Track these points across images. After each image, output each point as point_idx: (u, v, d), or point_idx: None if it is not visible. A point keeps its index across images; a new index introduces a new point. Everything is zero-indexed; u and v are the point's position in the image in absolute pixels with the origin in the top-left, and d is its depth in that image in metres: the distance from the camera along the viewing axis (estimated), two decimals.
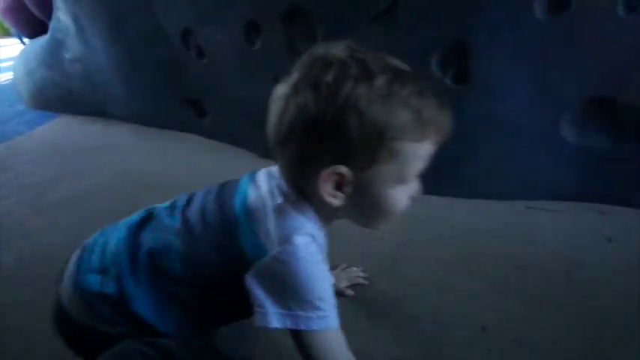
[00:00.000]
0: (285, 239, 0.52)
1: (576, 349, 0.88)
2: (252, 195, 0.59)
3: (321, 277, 0.53)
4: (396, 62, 0.52)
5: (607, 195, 1.40)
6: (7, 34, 8.63)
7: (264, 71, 1.85)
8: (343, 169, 0.50)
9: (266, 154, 2.14)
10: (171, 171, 2.05)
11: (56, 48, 2.84)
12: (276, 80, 1.93)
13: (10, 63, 4.93)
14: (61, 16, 2.72)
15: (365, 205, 0.54)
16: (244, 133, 2.20)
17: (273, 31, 1.73)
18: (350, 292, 1.06)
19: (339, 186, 0.52)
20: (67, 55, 2.81)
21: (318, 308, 0.52)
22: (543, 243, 1.24)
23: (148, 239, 0.63)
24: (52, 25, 2.89)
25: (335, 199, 0.53)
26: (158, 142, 2.46)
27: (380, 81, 0.47)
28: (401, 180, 0.53)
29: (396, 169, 0.51)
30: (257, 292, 0.52)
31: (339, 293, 1.03)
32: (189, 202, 0.67)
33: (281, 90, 0.55)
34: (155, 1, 2.06)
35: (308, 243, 0.53)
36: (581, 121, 1.36)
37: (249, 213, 0.57)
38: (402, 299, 1.06)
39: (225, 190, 0.65)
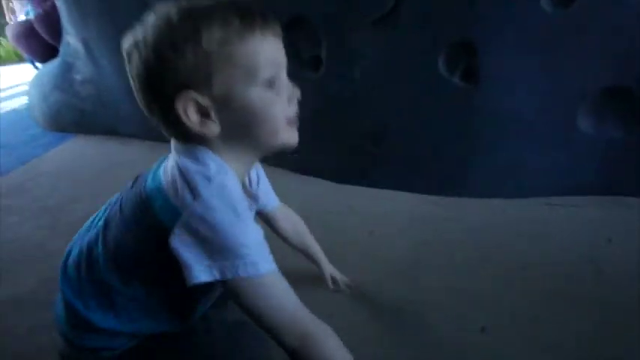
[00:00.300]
0: (194, 193, 0.52)
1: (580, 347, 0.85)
2: (161, 171, 0.60)
3: (239, 223, 0.51)
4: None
5: (628, 187, 1.36)
6: (20, 59, 8.87)
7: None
8: (193, 94, 0.52)
9: (279, 162, 2.15)
10: None
11: (67, 71, 2.91)
12: None
13: (24, 88, 5.08)
14: (70, 40, 2.79)
15: (243, 122, 0.55)
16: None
17: (336, 66, 1.71)
18: (345, 287, 1.07)
19: (205, 115, 0.54)
20: (78, 77, 2.88)
21: (242, 255, 0.50)
22: (559, 240, 1.21)
23: (73, 254, 0.69)
24: (62, 49, 2.97)
25: (209, 128, 0.54)
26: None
27: (173, 12, 0.52)
28: (253, 79, 0.53)
29: (240, 71, 0.52)
30: (181, 254, 0.51)
31: (334, 281, 1.08)
32: (115, 202, 0.69)
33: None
34: None
35: (217, 190, 0.52)
36: (597, 113, 1.32)
37: (160, 185, 0.57)
38: (414, 303, 1.04)
39: (140, 179, 0.65)
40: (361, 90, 1.66)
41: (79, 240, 0.72)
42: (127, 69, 0.59)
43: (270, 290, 0.52)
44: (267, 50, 0.54)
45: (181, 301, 0.66)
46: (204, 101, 0.52)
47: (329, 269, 1.07)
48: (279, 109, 0.57)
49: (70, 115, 3.04)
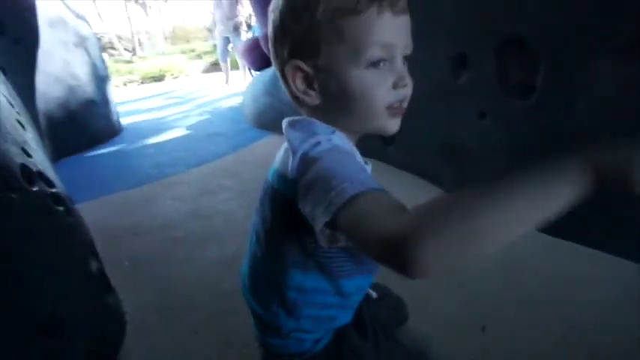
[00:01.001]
0: (303, 146, 0.51)
1: None
2: (276, 158, 0.64)
3: (345, 159, 0.47)
4: None
5: None
6: (235, 67, 11.04)
7: (467, 106, 1.78)
8: (299, 63, 0.53)
9: (453, 190, 2.03)
10: None
11: (277, 79, 3.47)
12: (482, 117, 1.81)
13: (238, 90, 6.29)
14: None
15: (340, 98, 0.54)
16: (434, 166, 2.16)
17: (483, 65, 1.65)
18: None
19: (309, 84, 0.55)
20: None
21: (349, 179, 0.43)
22: None
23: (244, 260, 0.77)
24: None
25: (310, 97, 0.55)
26: None
27: None
28: (357, 58, 0.51)
29: (346, 47, 0.51)
30: (306, 212, 0.46)
31: None
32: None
33: None
34: None
35: (326, 137, 0.51)
36: None
37: (275, 168, 0.62)
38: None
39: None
40: (585, 127, 1.41)
41: (248, 247, 0.77)
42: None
43: (384, 201, 0.43)
44: (381, 30, 0.51)
45: (341, 283, 0.64)
46: (309, 70, 0.54)
47: None
48: (380, 93, 0.55)
49: (273, 115, 3.60)
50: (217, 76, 8.82)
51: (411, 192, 2.14)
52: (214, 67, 12.45)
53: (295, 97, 0.59)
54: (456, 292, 1.24)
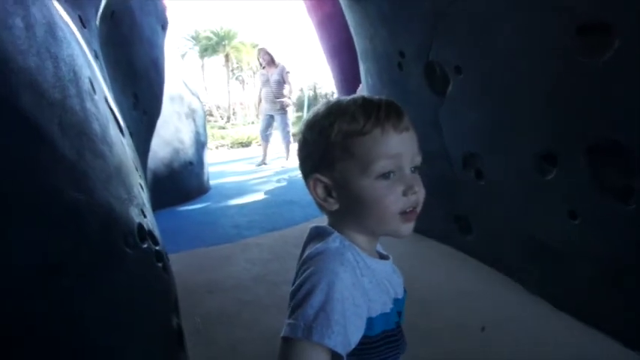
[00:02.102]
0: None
1: None
2: None
3: (330, 296, 0.53)
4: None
5: None
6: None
7: (556, 204, 1.69)
8: (318, 175, 0.61)
9: (539, 291, 1.87)
10: (428, 280, 2.09)
11: None
12: (572, 217, 1.71)
13: None
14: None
15: (356, 204, 0.60)
16: (515, 261, 2.02)
17: (574, 164, 1.59)
18: None
19: (329, 193, 0.62)
20: None
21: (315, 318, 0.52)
22: None
23: None
24: None
25: (329, 204, 0.62)
26: (417, 247, 2.61)
27: (322, 108, 0.64)
28: (367, 171, 0.58)
29: (357, 162, 0.58)
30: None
31: None
32: None
33: None
34: (444, 127, 2.35)
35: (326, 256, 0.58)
36: None
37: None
38: None
39: None
40: None
41: None
42: None
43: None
44: (386, 146, 0.58)
45: None
46: (327, 182, 0.61)
47: None
48: (391, 200, 0.59)
49: None
50: (291, 148, 9.38)
51: (486, 285, 2.00)
52: (295, 137, 13.56)
53: (318, 203, 0.65)
54: None
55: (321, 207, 0.66)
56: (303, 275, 0.56)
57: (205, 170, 5.00)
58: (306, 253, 0.60)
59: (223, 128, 15.86)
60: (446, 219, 2.52)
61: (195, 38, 30.35)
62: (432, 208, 2.84)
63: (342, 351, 0.52)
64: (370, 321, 0.57)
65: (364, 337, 0.56)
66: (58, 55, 1.03)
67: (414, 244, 2.67)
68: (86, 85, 1.17)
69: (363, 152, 0.58)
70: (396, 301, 0.65)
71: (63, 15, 1.39)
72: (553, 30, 1.53)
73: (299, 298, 0.54)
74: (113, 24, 3.07)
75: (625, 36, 1.30)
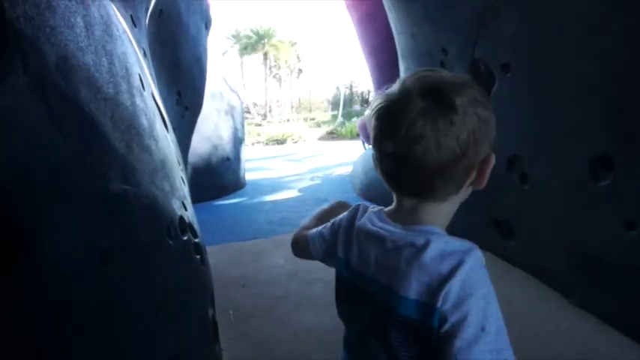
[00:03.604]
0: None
1: None
2: None
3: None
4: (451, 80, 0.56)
5: None
6: (351, 137, 11.74)
7: (610, 213, 1.57)
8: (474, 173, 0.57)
9: (585, 303, 1.75)
10: None
11: None
12: (629, 227, 1.58)
13: (348, 160, 6.63)
14: None
15: (477, 180, 0.58)
16: (559, 271, 1.90)
17: (632, 169, 1.47)
18: None
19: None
20: None
21: None
22: None
23: None
24: None
25: (467, 188, 0.58)
26: None
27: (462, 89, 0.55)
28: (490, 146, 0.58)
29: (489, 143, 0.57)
30: (464, 349, 0.51)
31: None
32: None
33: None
34: None
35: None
36: None
37: (416, 299, 0.61)
38: None
39: None
40: None
41: None
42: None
43: None
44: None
45: None
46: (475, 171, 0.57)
47: None
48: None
49: (380, 190, 3.68)
50: (333, 144, 9.39)
51: (528, 296, 1.89)
52: (330, 135, 13.61)
53: (455, 191, 0.57)
54: None
55: (454, 192, 0.57)
56: (469, 301, 0.52)
57: (242, 166, 5.11)
58: (458, 272, 0.52)
59: (260, 125, 16.16)
60: (486, 223, 2.42)
61: (236, 37, 31.12)
62: (472, 211, 2.76)
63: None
64: None
65: None
66: (113, 53, 1.08)
67: None
68: (136, 82, 1.23)
69: (492, 132, 0.59)
70: None
71: (117, 14, 1.46)
72: (619, 25, 1.42)
73: (478, 322, 0.51)
74: (161, 22, 3.20)
75: None
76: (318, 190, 4.62)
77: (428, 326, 0.53)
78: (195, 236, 1.29)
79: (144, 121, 1.18)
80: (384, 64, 5.47)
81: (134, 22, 1.97)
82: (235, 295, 2.03)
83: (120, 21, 1.45)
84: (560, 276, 1.91)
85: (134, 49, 1.54)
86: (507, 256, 2.28)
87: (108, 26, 1.10)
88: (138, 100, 1.18)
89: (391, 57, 3.49)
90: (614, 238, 1.56)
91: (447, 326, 0.51)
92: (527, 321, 1.70)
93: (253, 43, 30.78)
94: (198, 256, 1.26)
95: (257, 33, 30.87)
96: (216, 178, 4.46)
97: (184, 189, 1.49)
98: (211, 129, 4.47)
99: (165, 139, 1.50)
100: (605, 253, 1.63)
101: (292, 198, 4.32)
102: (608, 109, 1.55)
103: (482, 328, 0.49)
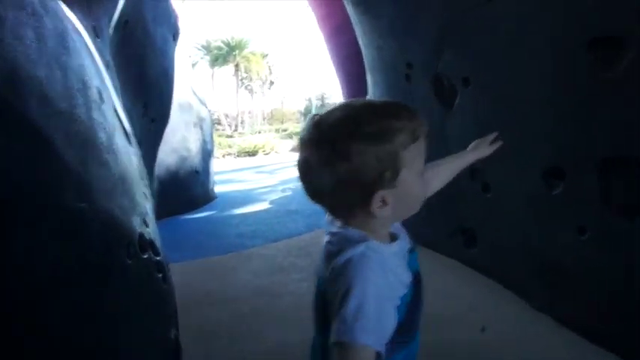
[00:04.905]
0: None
1: None
2: None
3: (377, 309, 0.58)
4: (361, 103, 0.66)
5: None
6: None
7: (563, 219, 1.66)
8: (383, 192, 0.61)
9: (543, 307, 1.83)
10: (432, 294, 2.05)
11: None
12: (581, 232, 1.67)
13: None
14: None
15: (407, 201, 0.65)
16: (519, 277, 1.98)
17: (582, 179, 1.56)
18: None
19: (384, 201, 0.62)
20: None
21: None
22: None
23: None
24: None
25: (384, 210, 0.62)
26: (421, 260, 2.57)
27: (363, 115, 0.62)
28: (418, 171, 0.65)
29: (413, 166, 0.63)
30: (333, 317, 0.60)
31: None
32: None
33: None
34: (451, 138, 2.33)
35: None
36: None
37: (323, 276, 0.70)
38: None
39: None
40: None
41: None
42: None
43: None
44: (424, 146, 0.65)
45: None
46: (390, 192, 0.62)
47: (477, 154, 0.96)
48: (424, 189, 0.68)
49: None
50: None
51: (491, 300, 1.95)
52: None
53: (366, 214, 0.64)
54: None
55: (365, 216, 0.64)
56: (338, 283, 0.60)
57: (211, 179, 5.02)
58: (337, 260, 0.62)
59: (231, 137, 15.98)
60: (451, 231, 2.49)
61: (207, 48, 30.87)
62: (436, 220, 2.82)
63: (381, 347, 0.58)
64: (396, 310, 0.63)
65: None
66: (68, 65, 1.04)
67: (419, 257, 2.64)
68: (94, 95, 1.19)
69: (416, 156, 0.64)
70: (409, 264, 0.71)
71: (77, 25, 1.42)
72: (564, 44, 1.53)
73: (338, 304, 0.58)
74: (126, 33, 3.13)
75: (637, 49, 1.29)
76: (289, 202, 4.60)
77: (320, 291, 0.67)
78: (157, 254, 1.25)
79: (102, 135, 1.14)
80: (354, 77, 5.58)
81: (96, 33, 1.91)
82: (201, 314, 1.97)
83: (79, 32, 1.40)
84: (520, 281, 1.98)
85: (94, 61, 1.49)
86: (472, 262, 2.35)
87: (63, 38, 1.07)
88: (95, 114, 1.14)
89: (360, 70, 3.57)
90: (568, 244, 1.65)
91: (328, 294, 0.62)
92: (491, 325, 1.75)
93: (224, 55, 30.61)
94: (160, 275, 1.21)
95: (228, 44, 30.75)
96: (184, 191, 4.35)
97: (147, 205, 1.44)
98: (179, 141, 4.38)
99: (127, 154, 1.45)
100: (561, 258, 1.71)
101: (263, 210, 4.28)
102: (558, 123, 1.65)
103: (345, 304, 0.57)
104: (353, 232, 0.65)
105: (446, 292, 2.09)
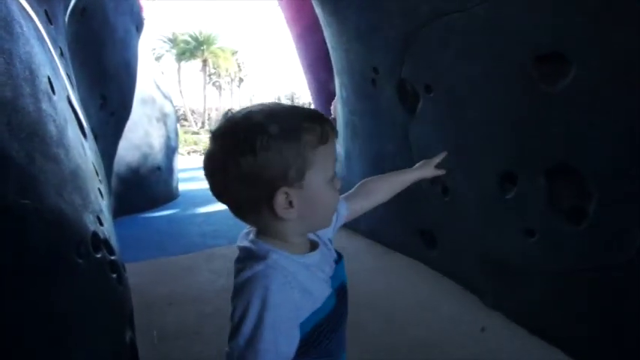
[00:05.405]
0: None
1: None
2: None
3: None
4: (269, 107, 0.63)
5: None
6: None
7: (514, 222, 1.75)
8: (286, 189, 0.59)
9: (495, 305, 1.93)
10: (392, 294, 2.10)
11: None
12: (529, 235, 1.77)
13: None
14: (337, 147, 3.55)
15: (314, 208, 0.63)
16: (475, 276, 2.07)
17: (532, 184, 1.66)
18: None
19: (289, 203, 0.60)
20: None
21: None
22: None
23: None
24: None
25: (289, 213, 0.61)
26: (383, 261, 2.63)
27: (266, 118, 0.60)
28: (327, 177, 0.63)
29: (321, 169, 0.62)
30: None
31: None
32: None
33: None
34: (413, 143, 2.40)
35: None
36: None
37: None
38: None
39: None
40: (638, 262, 1.33)
41: None
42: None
43: None
44: (334, 152, 0.65)
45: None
46: (294, 192, 0.61)
47: (419, 174, 1.01)
48: (335, 200, 0.66)
49: None
50: None
51: (447, 299, 2.03)
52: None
53: (272, 215, 0.62)
54: None
55: (272, 219, 0.62)
56: (235, 303, 0.58)
57: (175, 176, 4.86)
58: (238, 278, 0.60)
59: (197, 133, 15.57)
60: (412, 233, 2.57)
61: (173, 41, 29.87)
62: (399, 222, 2.88)
63: None
64: (300, 326, 0.61)
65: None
66: (13, 52, 0.98)
67: (381, 258, 2.70)
68: (43, 85, 1.12)
69: (324, 159, 0.63)
70: (332, 279, 0.68)
71: (26, 9, 1.33)
72: (515, 58, 1.61)
73: (233, 325, 0.57)
74: (84, 21, 2.97)
75: (580, 66, 1.39)
76: None
77: None
78: (112, 253, 1.20)
79: (51, 127, 1.08)
80: (323, 78, 5.61)
81: (50, 19, 1.80)
82: (161, 315, 1.91)
83: (28, 17, 1.32)
84: (475, 280, 2.08)
85: (45, 49, 1.41)
86: (432, 263, 2.43)
87: (7, 23, 1.00)
88: (45, 105, 1.08)
89: (329, 71, 3.60)
90: (518, 245, 1.75)
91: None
92: (447, 323, 1.82)
93: (192, 49, 29.75)
94: (114, 275, 1.16)
95: (196, 39, 29.92)
96: (146, 189, 4.19)
97: (101, 202, 1.38)
98: (141, 137, 4.21)
99: (80, 148, 1.38)
100: (511, 259, 1.81)
101: (226, 210, 4.17)
102: (511, 131, 1.74)
103: (239, 328, 0.56)
104: (260, 246, 0.63)
105: (403, 291, 2.15)
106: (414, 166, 1.02)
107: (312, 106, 7.02)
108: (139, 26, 4.25)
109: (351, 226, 3.29)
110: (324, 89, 5.60)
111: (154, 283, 2.26)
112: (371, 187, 0.97)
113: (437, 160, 1.03)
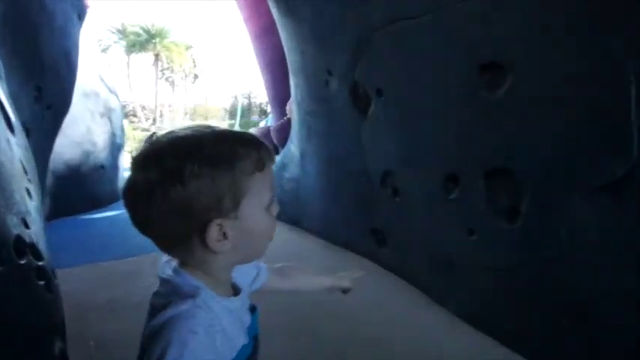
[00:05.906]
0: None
1: None
2: None
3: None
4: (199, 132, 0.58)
5: None
6: None
7: (457, 222, 1.85)
8: (220, 221, 0.56)
9: (441, 301, 2.03)
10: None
11: (282, 169, 3.65)
12: (470, 233, 1.87)
13: None
14: (292, 148, 3.54)
15: (249, 238, 0.60)
16: (422, 274, 2.16)
17: (473, 185, 1.76)
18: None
19: (223, 234, 0.57)
20: (287, 175, 3.57)
21: None
22: None
23: None
24: (283, 151, 3.77)
25: (223, 245, 0.57)
26: (335, 260, 2.67)
27: (206, 151, 0.55)
28: (263, 205, 0.60)
29: (257, 198, 0.58)
30: None
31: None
32: None
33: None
34: (366, 145, 2.46)
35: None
36: None
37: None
38: None
39: None
40: (566, 255, 1.46)
41: None
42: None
43: None
44: (271, 178, 0.61)
45: None
46: (229, 223, 0.57)
47: (336, 281, 1.00)
48: (272, 227, 0.63)
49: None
50: None
51: (396, 296, 2.10)
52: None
53: (203, 248, 0.57)
54: None
55: (203, 252, 0.58)
56: (154, 346, 0.52)
57: (120, 175, 4.59)
58: (159, 317, 0.54)
59: (147, 130, 14.83)
60: (364, 233, 2.63)
61: (122, 32, 28.23)
62: (351, 222, 2.93)
63: None
64: None
65: None
66: None
67: (333, 257, 2.73)
68: None
69: (261, 186, 0.59)
70: (249, 329, 0.65)
71: None
72: (459, 66, 1.71)
73: None
74: (15, 6, 2.72)
75: (516, 77, 1.50)
76: None
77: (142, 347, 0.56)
78: (39, 259, 1.11)
79: None
80: (279, 79, 5.58)
81: None
82: (100, 322, 1.79)
83: None
84: (423, 277, 2.17)
85: None
86: (382, 262, 2.50)
87: None
88: None
89: (285, 72, 3.59)
90: (460, 243, 1.85)
91: (145, 356, 0.53)
92: (393, 318, 1.89)
93: (142, 42, 28.31)
94: (41, 282, 1.07)
95: (147, 31, 28.51)
96: (87, 188, 3.92)
97: (29, 203, 1.26)
98: (82, 133, 3.93)
99: (5, 143, 1.26)
100: (455, 256, 1.92)
101: None
102: (455, 134, 1.84)
103: None
104: (186, 280, 0.58)
105: (352, 291, 2.19)
106: (337, 274, 1.02)
107: (269, 106, 6.93)
108: (81, 14, 3.97)
109: (305, 226, 3.30)
110: (281, 90, 5.57)
111: (94, 288, 2.11)
112: (290, 273, 0.95)
113: (357, 275, 1.04)
